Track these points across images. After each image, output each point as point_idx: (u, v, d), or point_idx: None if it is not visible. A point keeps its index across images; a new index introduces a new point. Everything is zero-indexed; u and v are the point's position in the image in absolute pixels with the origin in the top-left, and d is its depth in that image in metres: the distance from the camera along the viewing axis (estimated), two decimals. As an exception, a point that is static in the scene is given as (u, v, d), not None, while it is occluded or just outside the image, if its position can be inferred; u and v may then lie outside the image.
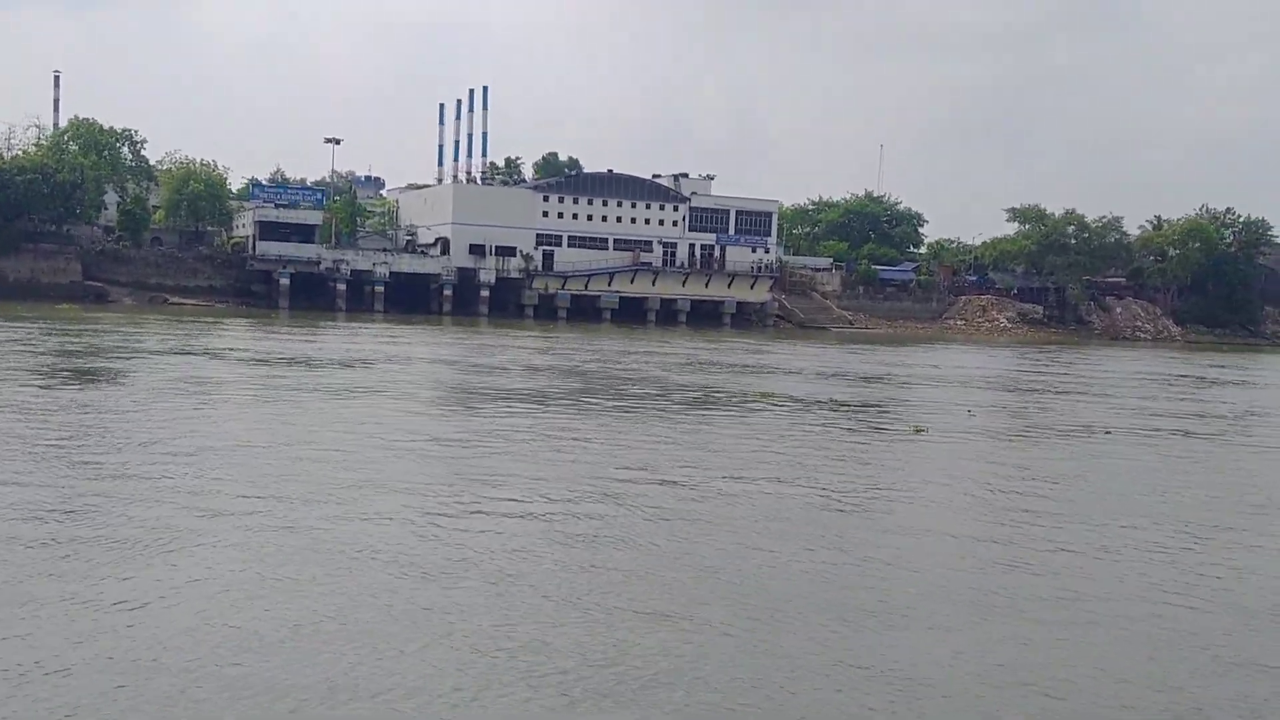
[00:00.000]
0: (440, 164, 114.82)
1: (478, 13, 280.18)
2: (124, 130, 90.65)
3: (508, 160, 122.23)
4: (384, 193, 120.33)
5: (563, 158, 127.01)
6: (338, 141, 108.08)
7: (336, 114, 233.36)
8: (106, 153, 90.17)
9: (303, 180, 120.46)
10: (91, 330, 54.14)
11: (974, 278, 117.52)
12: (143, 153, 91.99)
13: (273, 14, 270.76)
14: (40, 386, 29.37)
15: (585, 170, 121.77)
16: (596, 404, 31.87)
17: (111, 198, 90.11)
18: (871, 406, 35.67)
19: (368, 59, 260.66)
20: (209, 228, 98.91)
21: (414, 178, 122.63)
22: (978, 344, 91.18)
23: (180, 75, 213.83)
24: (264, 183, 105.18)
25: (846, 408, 34.21)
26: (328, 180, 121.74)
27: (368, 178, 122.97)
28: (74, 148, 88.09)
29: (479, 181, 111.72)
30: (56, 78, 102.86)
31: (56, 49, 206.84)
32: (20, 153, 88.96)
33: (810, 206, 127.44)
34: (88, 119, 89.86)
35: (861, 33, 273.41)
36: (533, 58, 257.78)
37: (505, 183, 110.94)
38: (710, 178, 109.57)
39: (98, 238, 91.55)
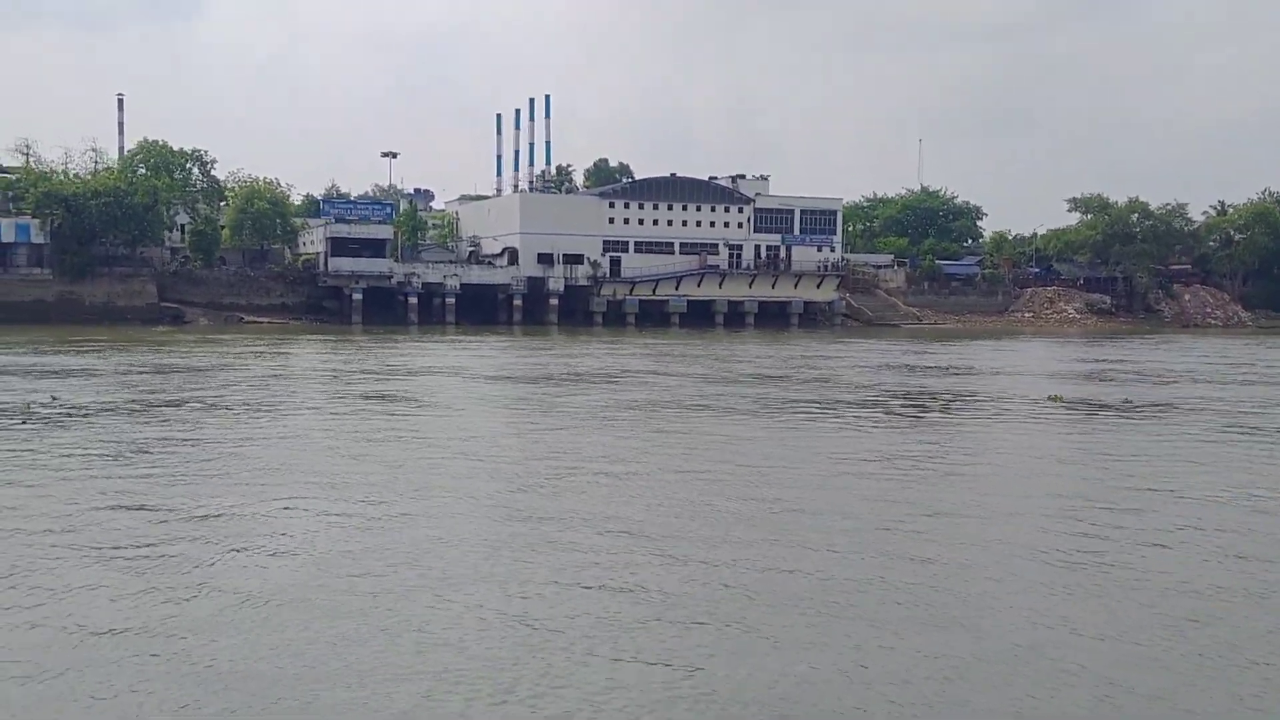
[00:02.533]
0: (499, 174, 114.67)
1: (473, 22, 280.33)
2: (193, 150, 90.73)
3: (559, 168, 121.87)
4: (442, 204, 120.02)
5: (613, 164, 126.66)
6: (394, 155, 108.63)
7: (342, 129, 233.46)
8: (178, 173, 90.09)
9: (346, 195, 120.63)
10: (207, 351, 54.00)
11: (1037, 269, 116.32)
12: (212, 172, 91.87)
13: (278, 32, 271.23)
14: (242, 408, 29.13)
15: (636, 175, 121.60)
16: (864, 413, 31.40)
17: (183, 219, 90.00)
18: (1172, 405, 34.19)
19: (367, 74, 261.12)
20: (272, 245, 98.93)
21: (440, 188, 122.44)
22: (1053, 336, 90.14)
23: (189, 97, 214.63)
24: (328, 199, 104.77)
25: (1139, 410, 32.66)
26: (371, 194, 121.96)
27: (417, 190, 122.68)
28: (143, 170, 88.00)
29: (530, 190, 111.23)
30: (120, 100, 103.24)
31: (63, 72, 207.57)
32: (90, 176, 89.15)
33: (865, 203, 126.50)
34: (157, 140, 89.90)
35: (860, 27, 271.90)
36: (534, 63, 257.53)
37: (556, 190, 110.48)
38: (765, 178, 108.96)
39: (166, 259, 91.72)
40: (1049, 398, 35.11)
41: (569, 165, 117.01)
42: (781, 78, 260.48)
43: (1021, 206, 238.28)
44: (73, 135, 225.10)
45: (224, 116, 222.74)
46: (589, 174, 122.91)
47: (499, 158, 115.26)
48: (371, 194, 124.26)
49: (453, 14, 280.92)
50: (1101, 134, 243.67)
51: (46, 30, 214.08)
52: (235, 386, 35.80)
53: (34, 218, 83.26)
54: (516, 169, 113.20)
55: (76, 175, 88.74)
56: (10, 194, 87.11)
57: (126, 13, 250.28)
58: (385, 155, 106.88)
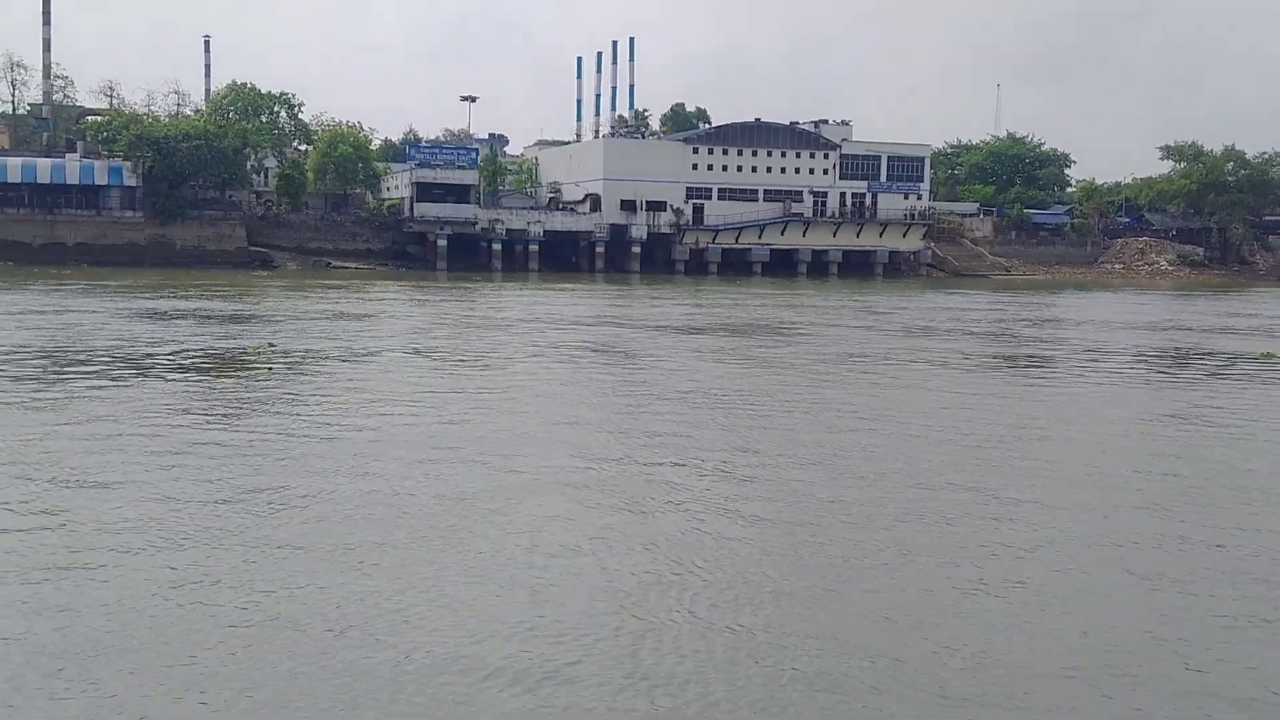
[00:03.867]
0: (579, 119, 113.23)
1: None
2: (281, 94, 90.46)
3: (636, 113, 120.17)
4: (520, 149, 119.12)
5: (689, 109, 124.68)
6: (473, 99, 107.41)
7: (406, 74, 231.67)
8: (266, 117, 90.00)
9: (431, 139, 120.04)
10: (333, 297, 54.10)
11: (1127, 219, 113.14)
12: (299, 116, 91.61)
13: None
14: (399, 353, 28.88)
15: (714, 121, 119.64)
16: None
17: (270, 163, 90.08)
18: None
19: (432, 18, 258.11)
20: (354, 190, 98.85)
21: (506, 133, 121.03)
22: (1147, 289, 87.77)
23: (255, 42, 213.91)
24: (413, 143, 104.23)
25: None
26: (441, 140, 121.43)
27: (492, 135, 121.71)
28: (232, 113, 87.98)
29: (612, 136, 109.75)
30: (206, 42, 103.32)
31: (130, 14, 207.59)
32: (172, 119, 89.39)
33: (948, 149, 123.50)
34: (245, 83, 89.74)
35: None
36: (597, 9, 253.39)
37: (639, 136, 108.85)
38: (846, 123, 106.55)
39: (253, 203, 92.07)
40: (1262, 354, 34.59)
41: (645, 110, 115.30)
42: (847, 23, 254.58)
43: (1106, 154, 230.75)
44: (140, 77, 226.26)
45: (288, 60, 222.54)
46: (665, 119, 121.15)
47: (579, 102, 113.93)
48: (442, 139, 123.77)
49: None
50: (1190, 78, 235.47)
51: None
52: (410, 335, 36.11)
53: (125, 160, 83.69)
54: (598, 113, 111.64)
55: (167, 117, 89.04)
56: (101, 136, 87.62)
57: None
58: (464, 99, 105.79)
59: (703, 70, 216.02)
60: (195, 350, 29.52)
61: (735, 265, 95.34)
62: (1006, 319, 49.58)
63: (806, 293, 70.49)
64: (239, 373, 25.66)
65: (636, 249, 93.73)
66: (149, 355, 28.23)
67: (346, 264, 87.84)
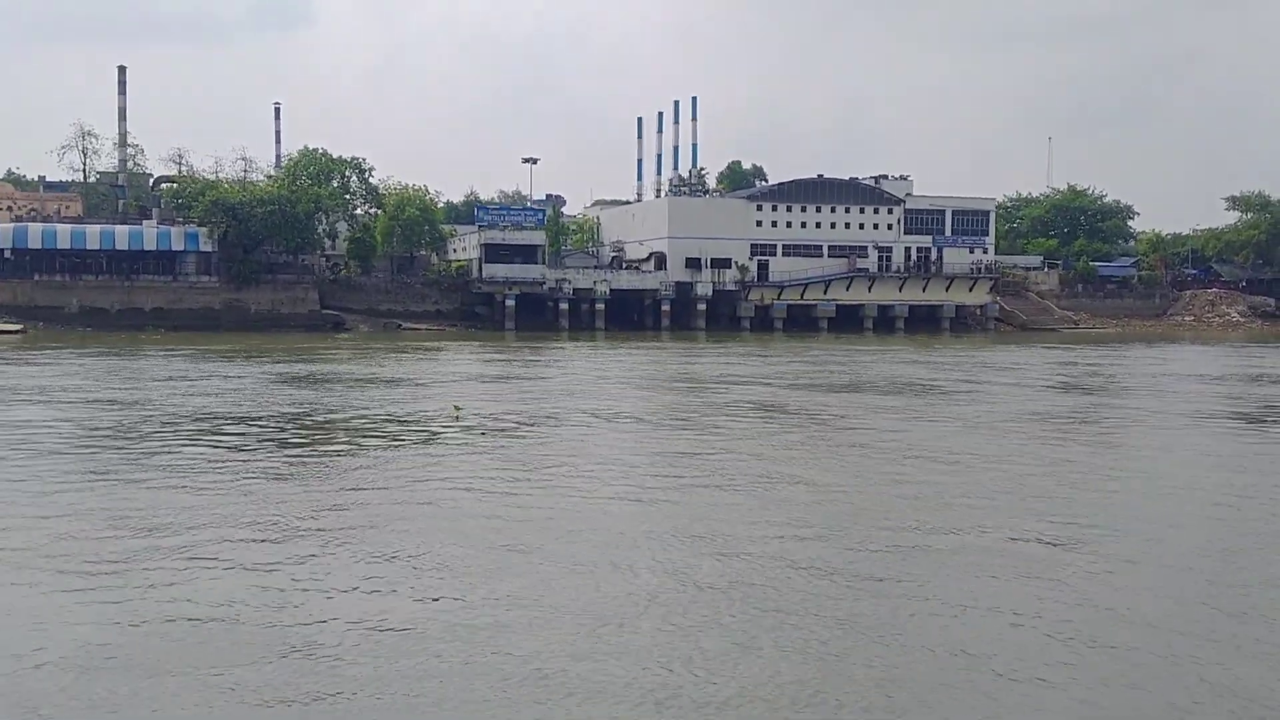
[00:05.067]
0: (639, 178, 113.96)
1: (572, 24, 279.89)
2: (352, 158, 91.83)
3: (693, 171, 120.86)
4: (581, 210, 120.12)
5: (745, 166, 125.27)
6: (534, 161, 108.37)
7: (452, 137, 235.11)
8: (337, 181, 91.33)
9: (490, 201, 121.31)
10: (425, 355, 54.09)
11: (1194, 270, 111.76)
12: (370, 179, 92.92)
13: (384, 42, 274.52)
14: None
15: (770, 178, 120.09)
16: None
17: (343, 227, 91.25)
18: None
19: (470, 78, 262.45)
20: (419, 252, 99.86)
21: (553, 192, 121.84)
22: (1220, 341, 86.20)
23: (305, 106, 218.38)
24: (481, 205, 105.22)
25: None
26: (497, 201, 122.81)
27: (548, 196, 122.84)
28: (304, 178, 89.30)
29: (673, 194, 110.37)
30: (277, 109, 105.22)
31: (182, 84, 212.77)
32: (239, 185, 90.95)
33: (1008, 203, 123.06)
34: (317, 148, 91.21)
35: (969, 25, 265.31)
36: (635, 64, 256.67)
37: (700, 194, 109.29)
38: (905, 178, 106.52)
39: (322, 266, 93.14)
40: None
41: (703, 169, 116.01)
42: (892, 80, 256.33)
43: (1160, 204, 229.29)
44: (207, 144, 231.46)
45: (336, 126, 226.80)
46: (722, 177, 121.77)
47: (639, 161, 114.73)
48: (497, 200, 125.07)
49: (557, 23, 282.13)
50: (1240, 126, 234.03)
51: (163, 45, 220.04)
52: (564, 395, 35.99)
53: (200, 226, 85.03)
54: (659, 172, 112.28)
55: (241, 183, 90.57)
56: (176, 202, 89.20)
57: (238, 25, 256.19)
58: (526, 161, 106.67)
59: (748, 129, 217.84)
60: (384, 414, 29.24)
61: (800, 321, 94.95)
62: (1153, 373, 48.39)
63: (895, 348, 69.67)
64: (447, 435, 25.46)
65: (702, 306, 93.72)
66: (361, 420, 27.94)
67: (417, 325, 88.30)
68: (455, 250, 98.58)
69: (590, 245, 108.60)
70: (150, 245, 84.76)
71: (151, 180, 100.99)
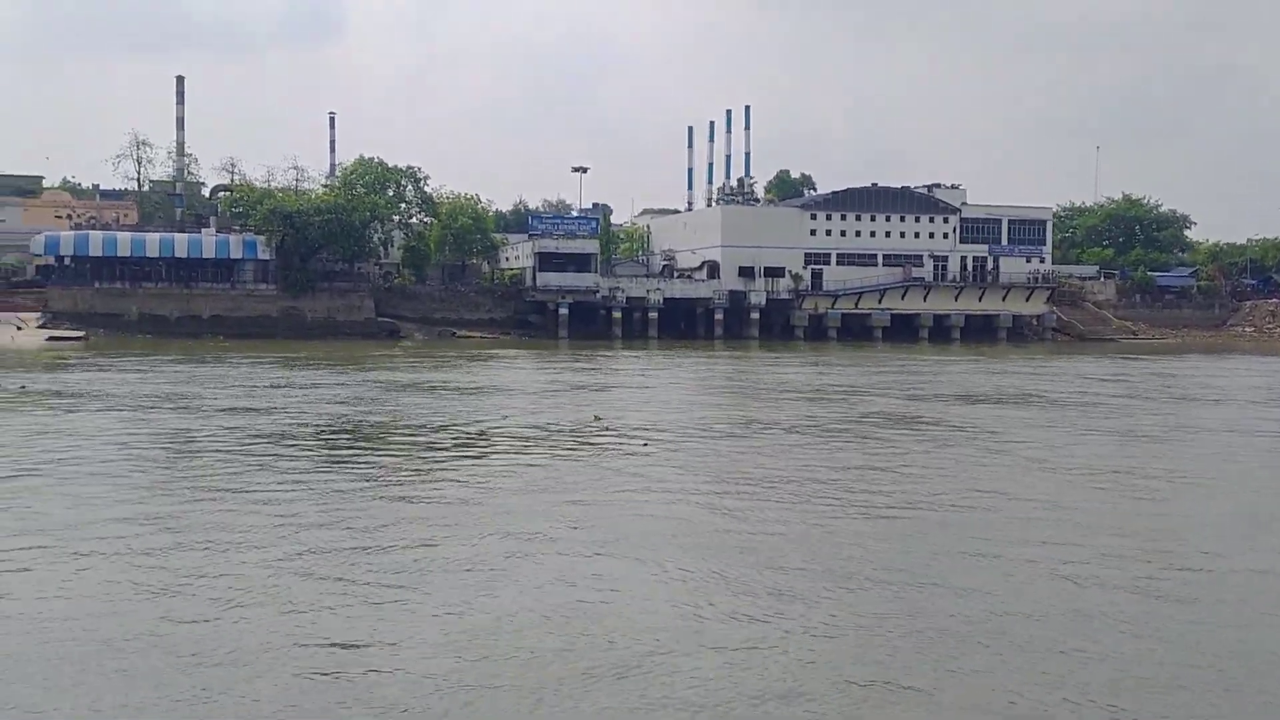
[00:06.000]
0: (690, 187, 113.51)
1: (601, 31, 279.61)
2: (408, 167, 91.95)
3: (741, 180, 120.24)
4: (629, 219, 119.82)
5: (794, 175, 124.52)
6: (584, 170, 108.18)
7: (481, 145, 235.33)
8: (392, 190, 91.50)
9: (539, 210, 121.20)
10: (501, 363, 53.78)
11: (1253, 280, 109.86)
12: (424, 188, 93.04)
13: (414, 52, 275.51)
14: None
15: (819, 188, 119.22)
16: None
17: (398, 235, 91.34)
18: None
19: (504, 88, 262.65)
20: (470, 260, 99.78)
21: (588, 202, 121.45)
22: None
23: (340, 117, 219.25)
24: (535, 214, 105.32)
25: None
26: (541, 209, 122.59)
27: (595, 205, 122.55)
28: (360, 187, 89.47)
29: (724, 203, 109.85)
30: (331, 119, 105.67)
31: (217, 95, 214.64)
32: (293, 193, 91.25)
33: (1062, 212, 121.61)
34: (373, 157, 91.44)
35: (1006, 34, 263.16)
36: (668, 74, 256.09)
37: (748, 202, 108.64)
38: (957, 187, 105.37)
39: (376, 274, 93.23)
40: None
41: (752, 179, 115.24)
42: (925, 90, 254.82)
43: (1218, 214, 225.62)
44: (234, 152, 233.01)
45: (373, 136, 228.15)
46: (770, 186, 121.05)
47: (689, 171, 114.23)
48: (542, 209, 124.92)
49: (589, 33, 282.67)
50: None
51: (195, 56, 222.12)
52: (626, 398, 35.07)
53: (258, 234, 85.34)
54: (710, 181, 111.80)
55: (294, 191, 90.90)
56: (234, 210, 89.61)
57: (269, 38, 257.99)
58: (575, 170, 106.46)
59: (783, 139, 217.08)
60: (528, 424, 28.46)
61: (855, 330, 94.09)
62: (1257, 384, 47.14)
63: (970, 358, 68.66)
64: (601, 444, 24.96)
65: (755, 315, 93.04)
66: (505, 426, 27.27)
67: (471, 333, 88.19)
68: (507, 259, 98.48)
69: (640, 254, 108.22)
70: (209, 253, 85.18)
71: (209, 189, 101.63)
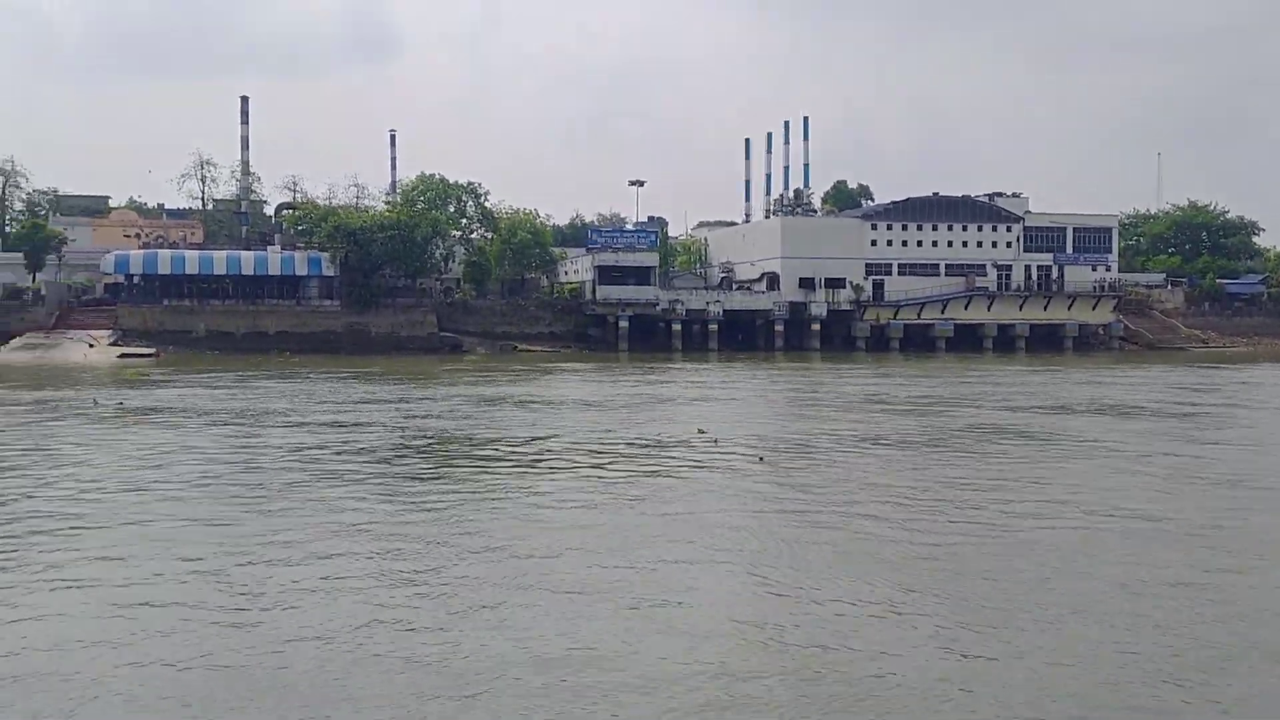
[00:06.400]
0: (747, 199, 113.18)
1: (654, 46, 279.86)
2: (469, 183, 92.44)
3: (796, 192, 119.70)
4: (686, 231, 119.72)
5: (851, 185, 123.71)
6: (641, 183, 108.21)
7: (535, 161, 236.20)
8: (453, 207, 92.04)
9: (596, 224, 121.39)
10: (572, 377, 53.65)
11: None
12: (485, 204, 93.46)
13: (471, 71, 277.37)
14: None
15: (876, 198, 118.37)
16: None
17: (459, 250, 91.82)
18: None
19: (557, 104, 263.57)
20: (529, 274, 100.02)
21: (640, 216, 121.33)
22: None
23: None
24: (595, 227, 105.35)
25: None
26: (599, 224, 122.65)
27: (651, 218, 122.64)
28: (421, 204, 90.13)
29: (782, 214, 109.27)
30: (392, 136, 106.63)
31: (277, 115, 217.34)
32: (353, 210, 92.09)
33: (1126, 220, 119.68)
34: (433, 174, 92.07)
35: (1051, 41, 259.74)
36: (721, 85, 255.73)
37: (795, 213, 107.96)
38: (1018, 195, 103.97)
39: (438, 289, 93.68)
40: None
41: (809, 190, 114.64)
42: (978, 96, 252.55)
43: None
44: (290, 171, 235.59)
45: (430, 153, 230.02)
46: (828, 196, 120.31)
47: (747, 182, 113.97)
48: (596, 223, 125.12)
49: (642, 48, 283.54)
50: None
51: (256, 76, 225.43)
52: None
53: (322, 251, 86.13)
54: (768, 193, 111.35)
55: (356, 209, 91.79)
56: (298, 228, 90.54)
57: (329, 58, 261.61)
58: (632, 184, 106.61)
59: (836, 149, 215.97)
60: (633, 436, 28.35)
61: (917, 341, 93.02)
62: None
63: (1041, 368, 67.52)
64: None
65: (816, 326, 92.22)
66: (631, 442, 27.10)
67: (532, 347, 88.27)
68: (566, 273, 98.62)
69: (697, 266, 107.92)
70: (274, 270, 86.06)
71: (273, 207, 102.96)
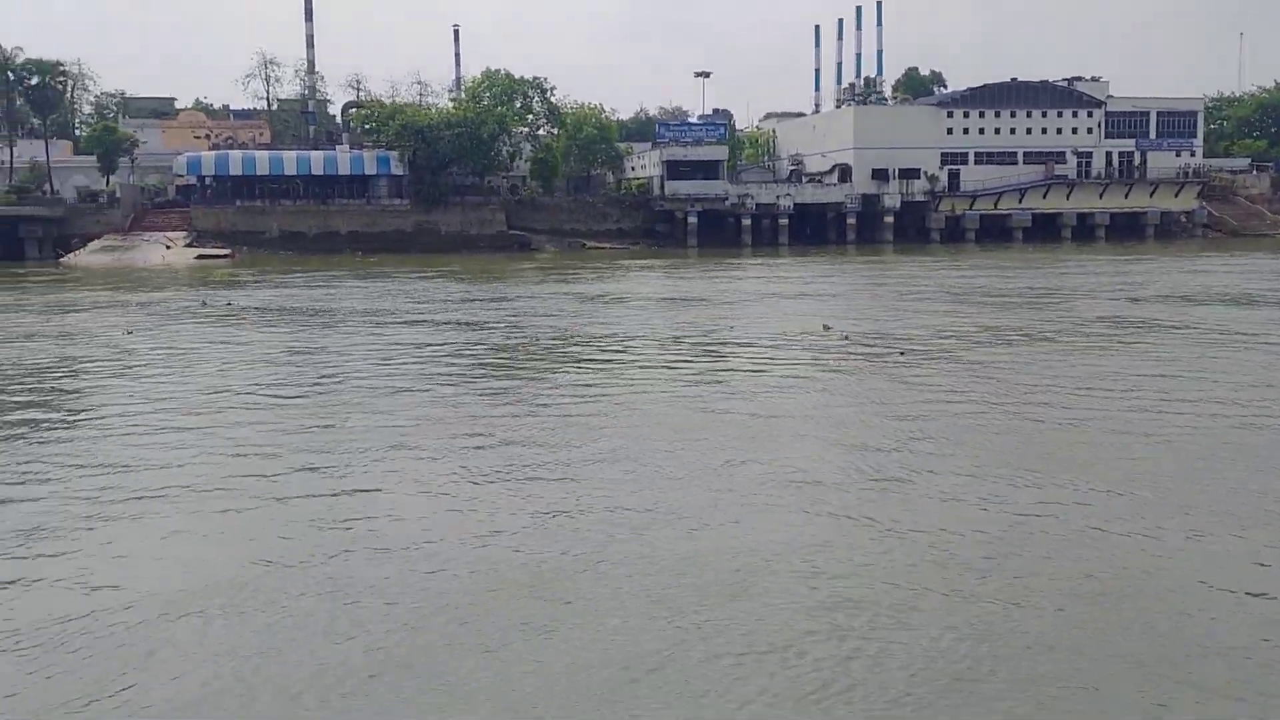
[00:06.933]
0: (817, 89, 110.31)
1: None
2: (534, 79, 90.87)
3: (868, 80, 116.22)
4: (754, 124, 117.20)
5: (924, 72, 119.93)
6: (707, 75, 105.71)
7: (593, 53, 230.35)
8: (519, 103, 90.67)
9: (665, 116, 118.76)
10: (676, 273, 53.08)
11: None
12: (551, 99, 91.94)
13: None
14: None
15: (949, 85, 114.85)
16: None
17: (526, 147, 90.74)
18: None
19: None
20: (596, 171, 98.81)
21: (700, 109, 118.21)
22: None
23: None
24: (663, 120, 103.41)
25: None
26: (663, 118, 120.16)
27: (716, 110, 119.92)
28: (487, 100, 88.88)
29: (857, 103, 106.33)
30: (456, 31, 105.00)
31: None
32: (429, 105, 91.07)
33: (1209, 103, 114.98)
34: (499, 70, 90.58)
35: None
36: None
37: (868, 103, 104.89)
38: (1098, 79, 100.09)
39: (505, 187, 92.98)
40: None
41: (880, 78, 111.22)
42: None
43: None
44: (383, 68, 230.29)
45: (485, 47, 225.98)
46: (899, 84, 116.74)
47: (817, 72, 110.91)
48: (658, 117, 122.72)
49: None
50: None
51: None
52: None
53: (390, 150, 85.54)
54: (839, 82, 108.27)
55: (421, 106, 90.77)
56: (366, 127, 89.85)
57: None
58: (698, 75, 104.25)
59: (918, 36, 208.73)
60: (762, 333, 27.73)
61: (993, 232, 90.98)
62: None
63: (1136, 255, 65.86)
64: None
65: (889, 219, 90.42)
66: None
67: (600, 244, 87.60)
68: (632, 168, 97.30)
69: (765, 159, 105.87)
70: (344, 170, 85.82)
71: (340, 106, 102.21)
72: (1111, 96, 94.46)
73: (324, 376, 21.56)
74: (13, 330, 30.44)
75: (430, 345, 26.17)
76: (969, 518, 11.41)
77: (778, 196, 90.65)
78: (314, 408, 18.16)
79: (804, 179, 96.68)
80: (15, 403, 19.21)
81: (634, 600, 9.28)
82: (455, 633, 8.71)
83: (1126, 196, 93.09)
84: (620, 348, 25.66)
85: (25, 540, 11.07)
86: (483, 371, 22.02)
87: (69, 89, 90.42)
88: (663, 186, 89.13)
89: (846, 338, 26.27)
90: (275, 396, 19.23)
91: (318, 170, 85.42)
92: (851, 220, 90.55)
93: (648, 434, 15.44)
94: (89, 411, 18.26)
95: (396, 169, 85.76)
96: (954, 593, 9.33)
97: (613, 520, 11.42)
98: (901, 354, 23.36)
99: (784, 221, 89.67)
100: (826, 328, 28.24)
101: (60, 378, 22.00)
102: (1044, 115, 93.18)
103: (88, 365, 23.53)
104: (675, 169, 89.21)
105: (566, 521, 11.44)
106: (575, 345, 26.12)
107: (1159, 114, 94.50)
